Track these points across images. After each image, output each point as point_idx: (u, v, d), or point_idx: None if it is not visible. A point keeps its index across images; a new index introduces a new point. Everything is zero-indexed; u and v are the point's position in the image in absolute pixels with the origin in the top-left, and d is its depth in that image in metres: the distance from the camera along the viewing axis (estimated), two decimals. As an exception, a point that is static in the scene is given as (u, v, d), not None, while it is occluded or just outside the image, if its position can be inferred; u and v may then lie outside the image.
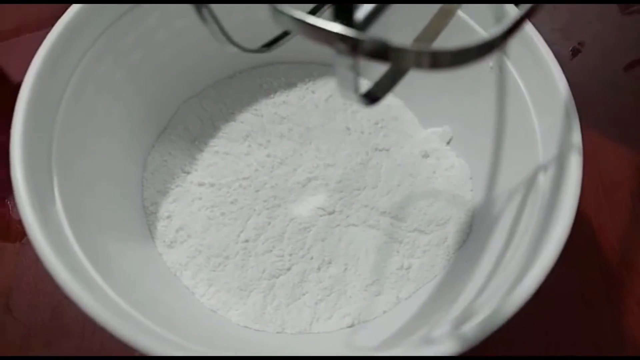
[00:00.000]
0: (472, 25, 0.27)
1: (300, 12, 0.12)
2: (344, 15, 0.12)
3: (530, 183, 0.25)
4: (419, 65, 0.12)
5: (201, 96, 0.33)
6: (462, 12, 0.27)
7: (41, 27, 0.37)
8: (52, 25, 0.23)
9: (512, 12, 0.25)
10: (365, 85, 0.33)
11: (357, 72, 0.13)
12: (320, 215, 0.29)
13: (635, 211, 0.33)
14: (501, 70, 0.27)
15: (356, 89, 0.14)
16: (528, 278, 0.20)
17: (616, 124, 0.36)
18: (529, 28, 0.25)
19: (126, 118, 0.29)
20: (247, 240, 0.29)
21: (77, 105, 0.24)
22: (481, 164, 0.29)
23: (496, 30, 0.11)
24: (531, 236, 0.22)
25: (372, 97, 0.15)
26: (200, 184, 0.30)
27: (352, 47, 0.12)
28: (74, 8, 0.24)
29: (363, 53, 0.12)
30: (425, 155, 0.32)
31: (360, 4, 0.12)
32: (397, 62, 0.12)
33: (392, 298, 0.27)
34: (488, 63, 0.27)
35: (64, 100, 0.24)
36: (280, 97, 0.34)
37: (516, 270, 0.21)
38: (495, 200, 0.27)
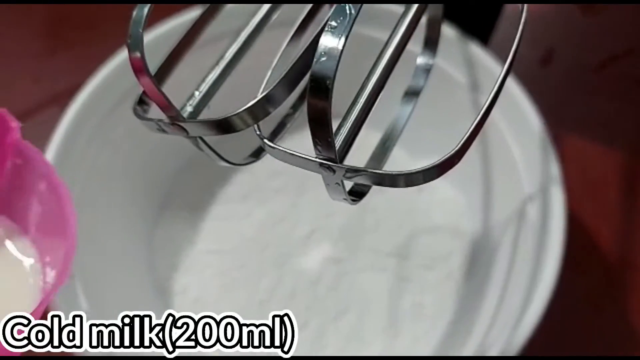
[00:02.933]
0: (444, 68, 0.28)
1: (289, 149, 0.14)
2: (322, 139, 0.13)
3: (520, 213, 0.26)
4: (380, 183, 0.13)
5: (192, 164, 0.34)
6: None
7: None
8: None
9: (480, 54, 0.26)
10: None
11: (343, 185, 0.14)
12: (329, 265, 0.30)
13: (628, 209, 0.34)
14: (478, 109, 0.28)
15: (345, 195, 0.15)
16: (530, 312, 0.21)
17: (597, 124, 0.37)
18: (493, 64, 0.26)
19: (129, 200, 0.30)
20: (261, 302, 0.30)
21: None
22: (474, 194, 0.30)
23: (449, 152, 0.13)
24: (529, 266, 0.24)
25: (358, 194, 0.16)
26: (208, 252, 0.31)
27: (334, 173, 0.13)
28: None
29: (346, 177, 0.14)
30: (420, 190, 0.33)
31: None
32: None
33: (409, 337, 0.29)
34: (465, 96, 0.28)
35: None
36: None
37: (519, 302, 0.23)
38: (491, 230, 0.28)
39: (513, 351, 0.21)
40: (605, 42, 0.40)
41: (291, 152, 0.14)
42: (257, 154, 0.17)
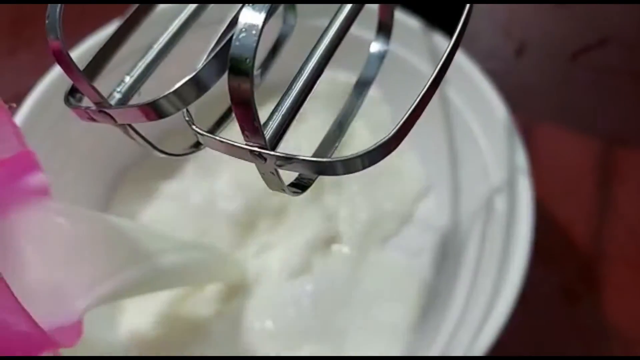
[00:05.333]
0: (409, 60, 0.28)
1: (217, 137, 0.13)
2: (247, 123, 0.12)
3: (488, 205, 0.25)
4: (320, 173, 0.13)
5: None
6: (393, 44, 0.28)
7: None
8: None
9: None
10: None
11: (278, 175, 0.14)
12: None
13: (601, 200, 0.34)
14: (444, 100, 0.27)
15: (283, 186, 0.14)
16: (498, 307, 0.21)
17: (571, 115, 0.37)
18: (459, 55, 0.25)
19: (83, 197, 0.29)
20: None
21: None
22: (442, 187, 0.30)
23: (389, 134, 0.12)
24: (497, 260, 0.23)
25: (301, 186, 0.15)
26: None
27: (266, 161, 0.13)
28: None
29: (277, 165, 0.13)
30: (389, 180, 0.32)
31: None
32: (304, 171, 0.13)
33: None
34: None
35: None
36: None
37: (487, 298, 0.22)
38: (460, 224, 0.28)
39: (480, 351, 0.20)
40: (578, 33, 0.40)
41: (220, 139, 0.13)
42: (199, 144, 0.16)
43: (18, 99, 0.27)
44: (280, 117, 0.13)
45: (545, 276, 0.32)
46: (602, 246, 0.32)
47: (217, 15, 0.16)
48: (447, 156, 0.28)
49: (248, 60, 0.11)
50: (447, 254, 0.29)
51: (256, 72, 0.19)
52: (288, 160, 0.12)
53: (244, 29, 0.11)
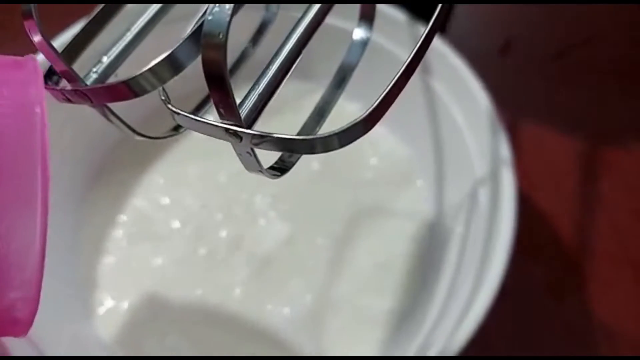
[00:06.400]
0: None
1: (193, 115, 0.13)
2: (222, 100, 0.12)
3: (472, 198, 0.25)
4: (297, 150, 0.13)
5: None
6: (380, 37, 0.28)
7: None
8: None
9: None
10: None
11: (254, 155, 0.14)
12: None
13: (588, 197, 0.34)
14: (429, 90, 0.27)
15: (260, 167, 0.14)
16: (472, 313, 0.20)
17: (556, 113, 0.37)
18: (444, 48, 0.25)
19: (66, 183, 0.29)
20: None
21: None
22: (427, 176, 0.30)
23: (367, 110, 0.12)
24: (479, 253, 0.23)
25: (280, 169, 0.15)
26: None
27: (241, 140, 0.13)
28: None
29: (253, 144, 0.13)
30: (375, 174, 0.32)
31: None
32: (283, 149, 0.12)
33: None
34: (417, 77, 0.28)
35: None
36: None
37: (463, 304, 0.22)
38: (444, 217, 0.28)
39: (459, 342, 0.20)
40: (562, 31, 0.40)
41: (195, 117, 0.13)
42: (178, 127, 0.16)
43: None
44: (256, 96, 0.13)
45: (530, 273, 0.32)
46: (586, 241, 0.33)
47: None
48: (432, 147, 0.28)
49: (221, 35, 0.11)
50: (430, 245, 0.29)
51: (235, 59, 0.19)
52: (263, 138, 0.12)
53: (217, 6, 0.11)
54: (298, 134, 0.16)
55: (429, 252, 0.28)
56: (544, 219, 0.33)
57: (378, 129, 0.32)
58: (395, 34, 0.28)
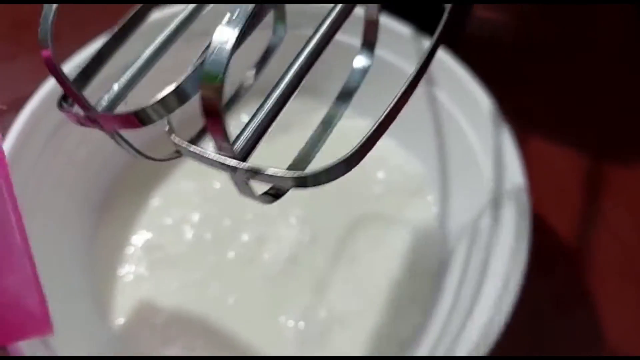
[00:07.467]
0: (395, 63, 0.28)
1: (195, 147, 0.14)
2: (217, 136, 0.13)
3: (484, 215, 0.25)
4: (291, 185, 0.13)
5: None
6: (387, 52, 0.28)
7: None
8: None
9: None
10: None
11: (249, 185, 0.14)
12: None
13: (594, 210, 0.34)
14: (433, 101, 0.28)
15: (253, 196, 0.15)
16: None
17: (561, 126, 0.37)
18: (443, 54, 0.26)
19: (74, 208, 0.30)
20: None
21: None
22: (434, 188, 0.30)
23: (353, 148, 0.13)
24: (482, 260, 0.23)
25: (273, 195, 0.16)
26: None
27: (235, 171, 0.13)
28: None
29: (246, 178, 0.13)
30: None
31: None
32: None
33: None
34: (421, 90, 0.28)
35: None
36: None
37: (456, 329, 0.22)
38: (454, 230, 0.28)
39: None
40: (566, 41, 0.40)
41: (193, 149, 0.14)
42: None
43: (17, 105, 0.27)
44: (253, 130, 0.14)
45: (537, 287, 0.32)
46: (593, 258, 0.33)
47: (207, 27, 0.17)
48: (442, 162, 0.29)
49: (219, 77, 0.12)
50: (440, 261, 0.29)
51: (246, 81, 0.20)
52: (255, 173, 0.13)
53: (217, 46, 0.12)
54: (294, 161, 0.17)
55: (438, 268, 0.29)
56: (550, 231, 0.33)
57: (387, 143, 0.33)
58: (398, 47, 0.28)
